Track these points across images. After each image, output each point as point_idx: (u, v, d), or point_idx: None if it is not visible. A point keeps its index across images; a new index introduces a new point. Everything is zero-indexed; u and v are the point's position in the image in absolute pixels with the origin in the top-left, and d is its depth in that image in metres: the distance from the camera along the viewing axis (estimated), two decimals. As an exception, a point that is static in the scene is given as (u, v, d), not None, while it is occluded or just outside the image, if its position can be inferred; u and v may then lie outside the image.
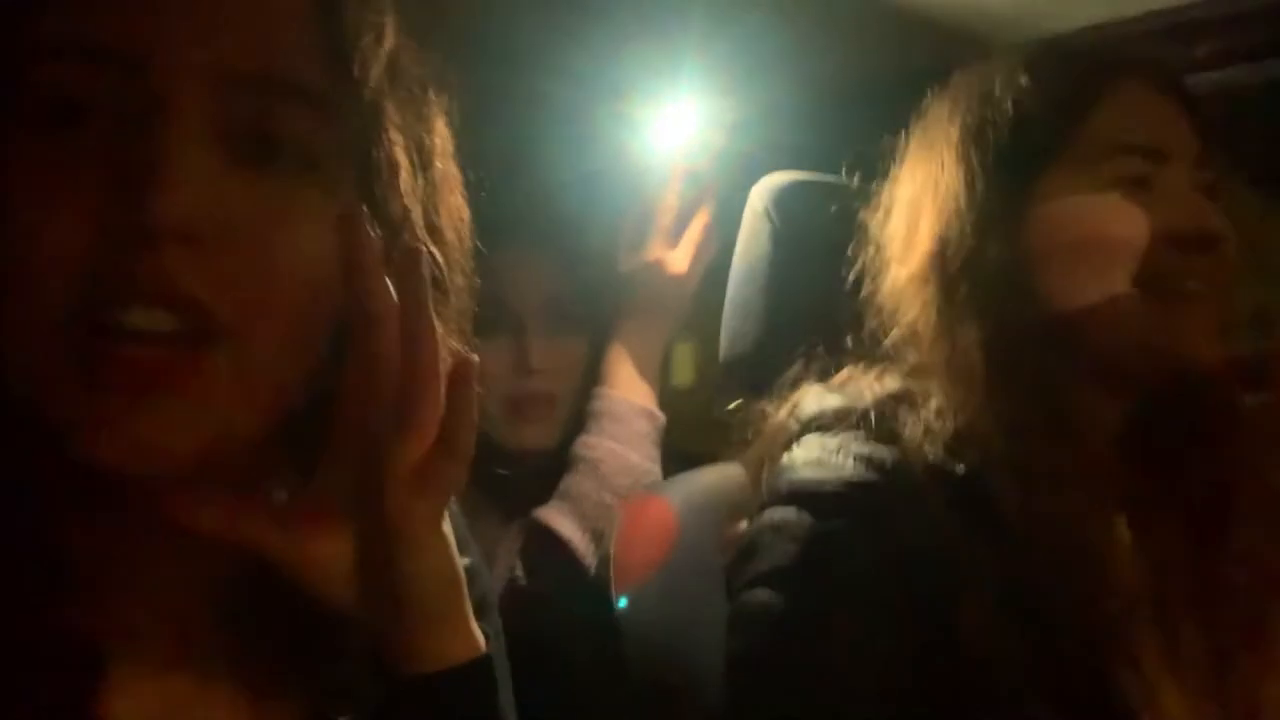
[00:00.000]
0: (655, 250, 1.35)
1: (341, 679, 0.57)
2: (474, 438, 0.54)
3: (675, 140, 1.40)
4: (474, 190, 0.64)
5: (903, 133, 0.96)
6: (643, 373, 1.32)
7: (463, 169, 0.63)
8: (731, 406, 0.98)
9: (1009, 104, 0.88)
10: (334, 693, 0.57)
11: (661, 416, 1.32)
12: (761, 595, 0.82)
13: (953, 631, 0.77)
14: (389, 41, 0.56)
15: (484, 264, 0.64)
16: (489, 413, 1.26)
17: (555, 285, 1.33)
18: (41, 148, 0.49)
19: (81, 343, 0.48)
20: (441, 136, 0.61)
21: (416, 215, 0.57)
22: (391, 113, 0.56)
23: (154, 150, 0.48)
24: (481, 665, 0.57)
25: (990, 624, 0.77)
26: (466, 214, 0.62)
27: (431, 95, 0.60)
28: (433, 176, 0.59)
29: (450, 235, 0.60)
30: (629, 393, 1.31)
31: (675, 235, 1.37)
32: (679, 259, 1.35)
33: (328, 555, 0.54)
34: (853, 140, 1.03)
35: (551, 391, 1.32)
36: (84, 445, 0.49)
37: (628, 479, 1.26)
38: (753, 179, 1.37)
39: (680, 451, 1.31)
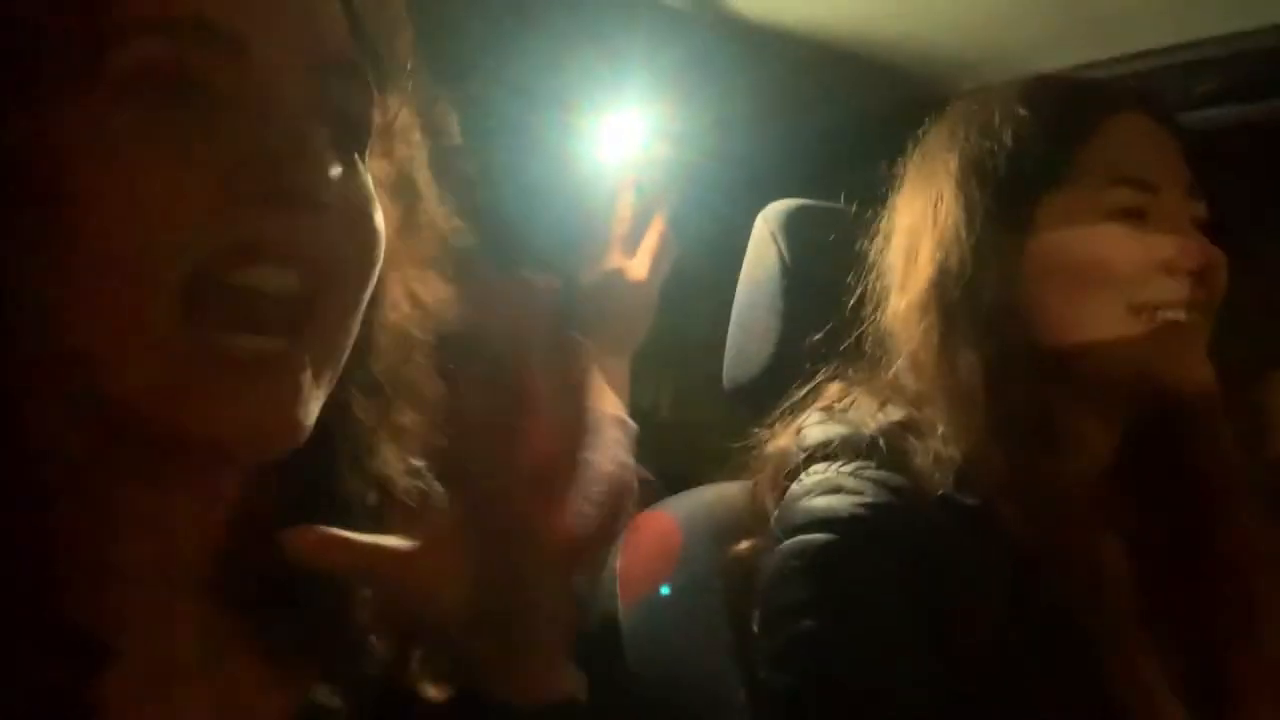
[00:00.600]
0: (614, 259, 1.36)
1: (340, 663, 0.59)
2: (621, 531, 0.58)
3: (621, 150, 1.40)
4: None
5: (880, 158, 0.98)
6: (611, 382, 1.32)
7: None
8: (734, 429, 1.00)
9: (1008, 134, 0.90)
10: (333, 677, 0.59)
11: (633, 424, 1.33)
12: (805, 625, 0.83)
13: (962, 640, 0.81)
14: (406, 43, 0.60)
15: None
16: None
17: None
18: (143, 118, 0.49)
19: (200, 324, 0.49)
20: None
21: (430, 194, 0.61)
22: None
23: (281, 122, 0.51)
24: (579, 711, 0.59)
25: (998, 635, 0.81)
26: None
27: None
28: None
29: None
30: (599, 402, 1.32)
31: (631, 243, 1.38)
32: (638, 267, 1.36)
33: (447, 596, 0.55)
34: (804, 156, 1.07)
35: None
36: (196, 423, 0.50)
37: (602, 487, 1.28)
38: (701, 188, 1.41)
39: (664, 471, 1.33)
